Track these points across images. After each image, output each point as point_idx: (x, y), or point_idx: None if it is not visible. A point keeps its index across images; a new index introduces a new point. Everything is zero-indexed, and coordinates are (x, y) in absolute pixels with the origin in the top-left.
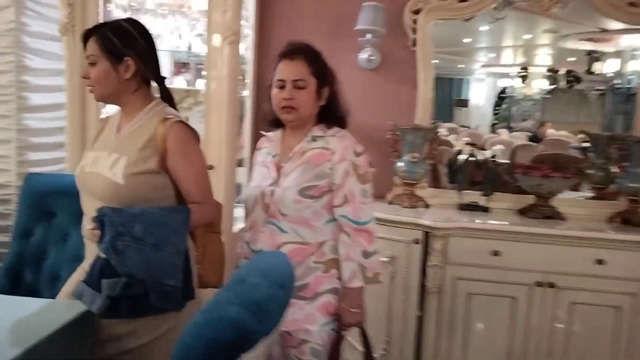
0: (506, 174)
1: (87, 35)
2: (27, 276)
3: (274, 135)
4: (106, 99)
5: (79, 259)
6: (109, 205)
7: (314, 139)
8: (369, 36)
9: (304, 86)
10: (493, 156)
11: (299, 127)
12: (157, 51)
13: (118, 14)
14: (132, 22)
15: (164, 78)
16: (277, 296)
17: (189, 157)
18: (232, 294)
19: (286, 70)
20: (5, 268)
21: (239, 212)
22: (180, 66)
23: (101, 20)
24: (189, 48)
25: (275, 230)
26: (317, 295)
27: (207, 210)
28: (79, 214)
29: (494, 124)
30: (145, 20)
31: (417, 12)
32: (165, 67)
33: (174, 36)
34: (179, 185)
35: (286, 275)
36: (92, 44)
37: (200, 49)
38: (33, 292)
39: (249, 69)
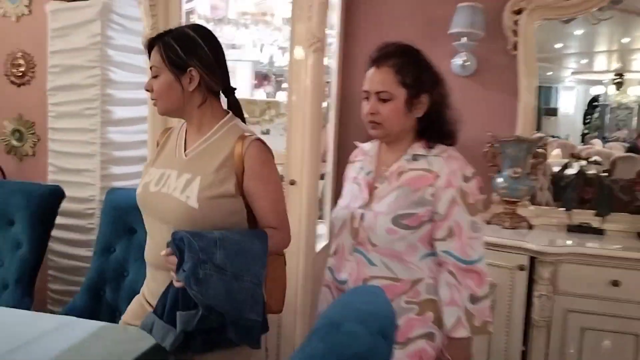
0: (622, 191)
1: (150, 45)
2: (108, 294)
3: (370, 147)
4: (170, 113)
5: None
6: (182, 229)
7: (415, 157)
8: (464, 40)
9: (388, 98)
10: (606, 170)
11: (395, 142)
12: (224, 60)
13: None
14: (197, 28)
15: (234, 89)
16: (379, 348)
17: (268, 179)
18: (328, 345)
19: (370, 80)
20: (87, 285)
21: (321, 229)
22: (262, 78)
23: None
24: (271, 59)
25: (362, 261)
26: (408, 340)
27: (284, 236)
28: None
29: (584, 134)
30: (227, 31)
31: (518, 12)
32: (247, 78)
33: (255, 47)
34: (254, 209)
35: (387, 321)
36: (154, 54)
37: (282, 60)
38: (113, 311)
39: (333, 78)
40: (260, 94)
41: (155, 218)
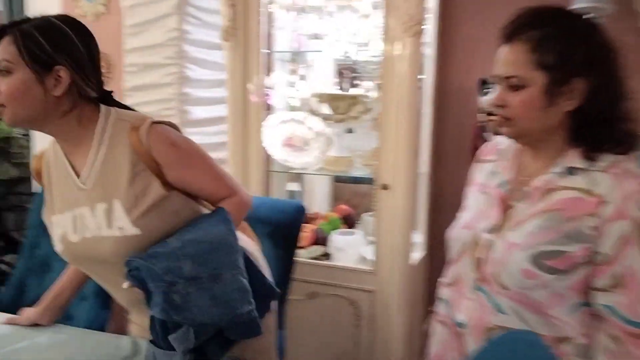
0: None
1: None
2: None
3: (507, 146)
4: (25, 124)
5: None
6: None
7: (571, 171)
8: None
9: (521, 85)
10: None
11: (539, 145)
12: (99, 60)
13: (281, 15)
14: (66, 19)
15: (110, 93)
16: None
17: (188, 158)
18: None
19: (499, 62)
20: None
21: (417, 237)
22: (349, 70)
23: (264, 23)
24: (358, 49)
25: (487, 305)
26: None
27: (240, 198)
28: None
29: None
30: (310, 20)
31: None
32: (328, 72)
33: (341, 37)
34: (196, 192)
35: None
36: (5, 46)
37: (363, 53)
38: None
39: (429, 69)
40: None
41: (96, 266)
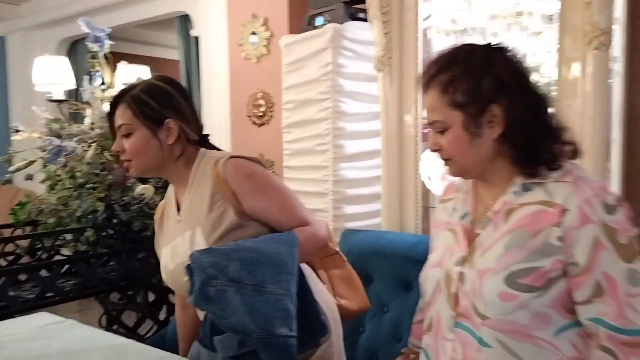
0: None
1: (113, 105)
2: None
3: (462, 181)
4: (148, 172)
5: (398, 337)
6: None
7: (526, 187)
8: None
9: (444, 128)
10: None
11: (486, 174)
12: (195, 108)
13: (440, 40)
14: (164, 79)
15: (207, 136)
16: None
17: (263, 189)
18: None
19: (425, 107)
20: None
21: None
22: None
23: (420, 50)
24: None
25: (469, 340)
26: None
27: (314, 229)
28: (398, 282)
29: None
30: (472, 40)
31: None
32: None
33: None
34: (270, 223)
35: None
36: (123, 112)
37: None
38: None
39: (617, 85)
40: None
41: (185, 292)
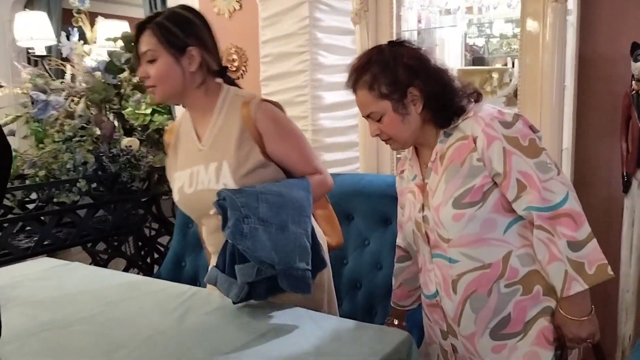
0: None
1: (139, 31)
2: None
3: (406, 154)
4: (171, 99)
5: (379, 266)
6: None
7: (446, 134)
8: None
9: (380, 116)
10: None
11: (420, 139)
12: (215, 38)
13: None
14: (188, 8)
15: (226, 67)
16: None
17: (287, 135)
18: None
19: (358, 104)
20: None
21: None
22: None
23: (395, 3)
24: (490, 23)
25: (443, 263)
26: (527, 325)
27: (324, 178)
28: (377, 218)
29: None
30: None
31: None
32: (457, 47)
33: (470, 12)
34: (287, 166)
35: None
36: (147, 38)
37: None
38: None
39: (570, 37)
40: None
41: (203, 215)
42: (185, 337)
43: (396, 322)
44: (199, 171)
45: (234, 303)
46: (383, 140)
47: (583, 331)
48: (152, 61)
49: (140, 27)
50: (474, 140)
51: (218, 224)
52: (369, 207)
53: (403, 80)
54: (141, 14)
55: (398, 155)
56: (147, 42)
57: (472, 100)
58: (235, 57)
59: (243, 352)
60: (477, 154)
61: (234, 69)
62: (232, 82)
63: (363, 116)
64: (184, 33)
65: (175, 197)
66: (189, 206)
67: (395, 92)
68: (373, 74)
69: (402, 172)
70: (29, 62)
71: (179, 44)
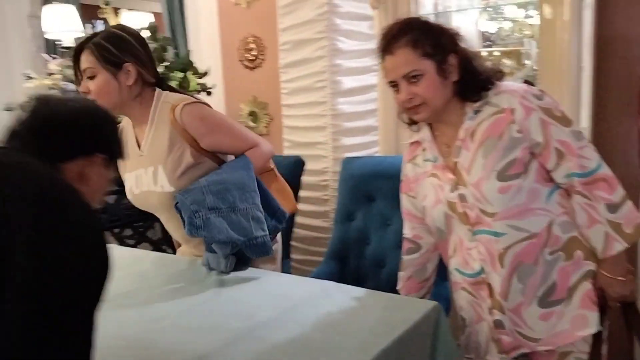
0: None
1: (78, 51)
2: (352, 261)
3: (422, 135)
4: (111, 110)
5: (400, 245)
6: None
7: (477, 110)
8: None
9: (419, 74)
10: None
11: (443, 117)
12: (151, 52)
13: None
14: (123, 27)
15: (163, 78)
16: None
17: (216, 128)
18: None
19: (391, 69)
20: (331, 252)
21: None
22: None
23: None
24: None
25: (488, 239)
26: (570, 291)
27: (261, 149)
28: (398, 199)
29: None
30: None
31: None
32: (470, 30)
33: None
34: (227, 152)
35: None
36: (87, 57)
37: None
38: (358, 277)
39: (587, 17)
40: None
41: (155, 212)
42: (223, 307)
43: None
44: (141, 174)
45: (227, 273)
46: (414, 105)
47: (626, 289)
48: (91, 77)
49: (79, 47)
50: (512, 112)
51: (173, 221)
52: (390, 188)
53: (445, 45)
54: (158, 8)
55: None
56: (87, 61)
57: (497, 78)
58: (253, 46)
59: (278, 321)
60: (516, 126)
61: (252, 58)
62: (171, 89)
63: (394, 79)
64: (119, 51)
65: (128, 196)
66: (140, 204)
67: (438, 53)
68: (415, 34)
69: (415, 157)
70: (49, 55)
71: (115, 61)
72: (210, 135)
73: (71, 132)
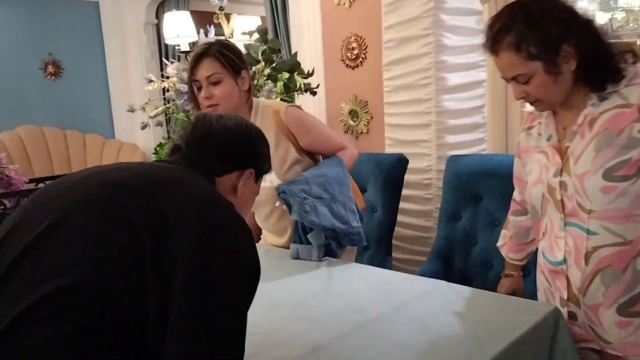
0: None
1: (199, 58)
2: (457, 261)
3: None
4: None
5: None
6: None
7: (602, 98)
8: None
9: (528, 78)
10: None
11: (566, 100)
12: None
13: None
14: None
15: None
16: None
17: (313, 127)
18: None
19: (499, 68)
20: (436, 252)
21: None
22: None
23: None
24: None
25: (579, 233)
26: None
27: (350, 151)
28: (508, 198)
29: None
30: None
31: None
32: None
33: None
34: (320, 151)
35: None
36: (210, 64)
37: None
38: (464, 278)
39: None
40: None
41: (254, 208)
42: (332, 301)
43: (514, 274)
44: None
45: (318, 261)
46: (528, 102)
47: None
48: (216, 83)
49: (199, 56)
50: (639, 110)
51: (269, 212)
52: (499, 188)
53: (555, 37)
54: (262, 11)
55: (523, 109)
56: (212, 67)
57: (628, 60)
58: (354, 45)
59: (390, 317)
60: (639, 125)
61: (354, 57)
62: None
63: (505, 78)
64: (238, 59)
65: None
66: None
67: (546, 51)
68: (519, 33)
69: (531, 128)
70: (162, 60)
71: (236, 68)
72: (308, 134)
73: (229, 148)
